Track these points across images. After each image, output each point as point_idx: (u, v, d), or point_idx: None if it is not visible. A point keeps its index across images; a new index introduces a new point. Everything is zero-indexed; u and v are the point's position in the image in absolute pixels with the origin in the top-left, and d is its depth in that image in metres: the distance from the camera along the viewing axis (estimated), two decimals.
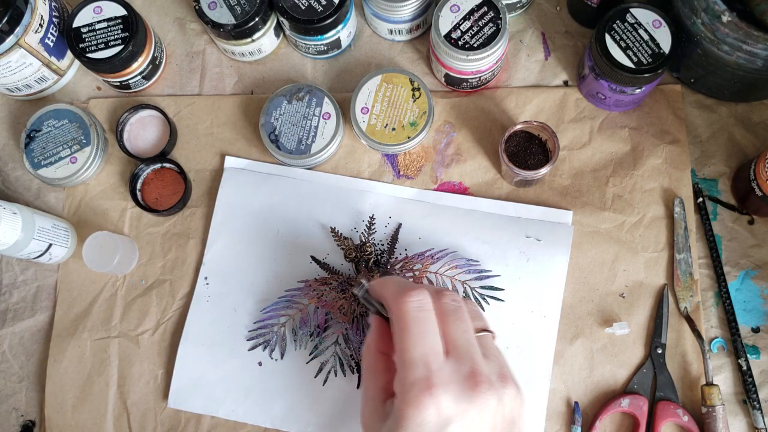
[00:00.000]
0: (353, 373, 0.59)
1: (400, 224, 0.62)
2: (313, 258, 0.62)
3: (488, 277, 0.60)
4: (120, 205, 0.66)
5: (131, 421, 0.62)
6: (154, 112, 0.67)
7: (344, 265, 0.62)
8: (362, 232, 0.62)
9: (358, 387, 0.60)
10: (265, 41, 0.67)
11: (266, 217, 0.64)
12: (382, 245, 0.62)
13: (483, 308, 0.60)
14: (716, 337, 0.61)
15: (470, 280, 0.61)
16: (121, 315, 0.64)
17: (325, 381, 0.59)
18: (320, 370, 0.60)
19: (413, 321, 0.43)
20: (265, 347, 0.60)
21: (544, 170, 0.59)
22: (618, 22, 0.59)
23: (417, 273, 0.61)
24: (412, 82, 0.63)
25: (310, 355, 0.60)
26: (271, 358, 0.60)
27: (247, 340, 0.61)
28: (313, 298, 0.61)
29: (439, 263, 0.61)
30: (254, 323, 0.61)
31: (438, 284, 0.60)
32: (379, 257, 0.61)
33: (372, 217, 0.62)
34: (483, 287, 0.60)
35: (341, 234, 0.62)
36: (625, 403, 0.58)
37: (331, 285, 0.61)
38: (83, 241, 0.62)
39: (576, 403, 0.59)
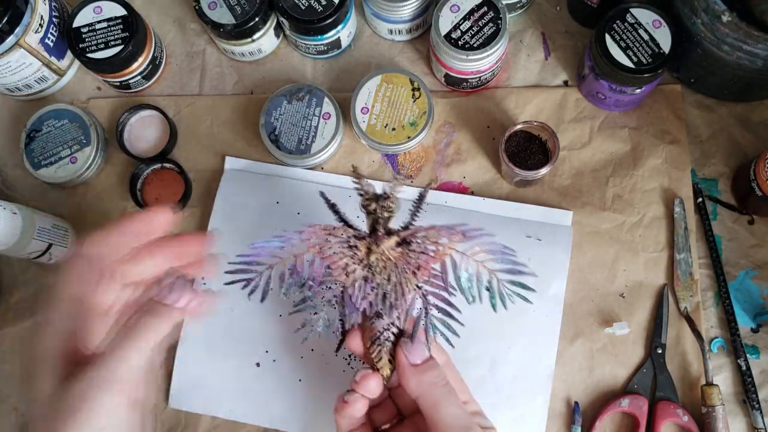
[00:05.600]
0: (336, 337, 0.52)
1: (427, 187, 0.51)
2: (323, 195, 0.51)
3: (522, 273, 0.51)
4: (120, 205, 0.66)
5: None
6: (154, 112, 0.67)
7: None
8: (390, 185, 0.50)
9: (336, 350, 0.53)
10: (265, 41, 0.67)
11: (265, 217, 0.64)
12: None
13: (506, 307, 0.51)
14: (716, 337, 0.61)
15: (500, 271, 0.51)
16: None
17: (304, 340, 0.52)
18: (303, 326, 0.52)
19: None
20: (244, 286, 0.51)
21: (544, 170, 0.59)
22: (618, 22, 0.59)
23: (441, 249, 0.51)
24: (412, 82, 0.63)
25: (295, 306, 0.52)
26: (249, 299, 0.51)
27: (225, 272, 0.51)
28: (313, 247, 0.51)
29: (469, 243, 0.50)
30: (237, 256, 0.51)
31: (461, 267, 0.51)
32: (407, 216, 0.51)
33: (422, 197, 0.50)
34: (512, 283, 0.51)
35: (363, 177, 0.49)
36: (625, 403, 0.58)
37: (339, 237, 0.50)
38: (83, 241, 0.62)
39: (576, 403, 0.59)
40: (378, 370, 0.47)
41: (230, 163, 0.66)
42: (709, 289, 0.62)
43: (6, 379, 0.64)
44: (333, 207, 0.51)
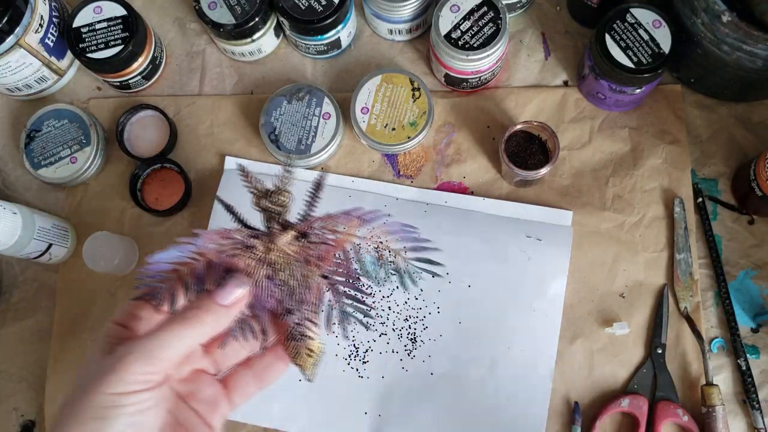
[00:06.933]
0: (255, 339, 0.50)
1: (324, 174, 0.50)
2: (218, 198, 0.52)
3: (426, 249, 0.50)
4: (120, 205, 0.66)
5: None
6: (154, 112, 0.67)
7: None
8: (280, 178, 0.49)
9: (260, 349, 0.50)
10: (265, 41, 0.67)
11: None
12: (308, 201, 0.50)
13: (416, 284, 0.50)
14: (716, 337, 0.61)
15: (403, 249, 0.50)
16: None
17: (224, 344, 0.49)
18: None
19: None
20: (150, 299, 0.49)
21: (544, 170, 0.59)
22: (618, 22, 0.59)
23: (340, 236, 0.50)
24: (412, 82, 0.63)
25: None
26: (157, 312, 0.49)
27: (135, 287, 0.48)
28: (211, 252, 0.49)
29: (367, 226, 0.50)
30: (139, 270, 0.49)
31: (363, 251, 0.50)
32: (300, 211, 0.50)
33: (318, 185, 0.49)
34: (418, 259, 0.50)
35: (251, 174, 0.48)
36: (625, 403, 0.58)
37: (235, 239, 0.49)
38: (83, 241, 0.62)
39: (576, 403, 0.59)
40: (298, 364, 0.49)
41: (230, 163, 0.66)
42: (709, 289, 0.62)
43: (7, 379, 0.64)
44: (229, 208, 0.51)
